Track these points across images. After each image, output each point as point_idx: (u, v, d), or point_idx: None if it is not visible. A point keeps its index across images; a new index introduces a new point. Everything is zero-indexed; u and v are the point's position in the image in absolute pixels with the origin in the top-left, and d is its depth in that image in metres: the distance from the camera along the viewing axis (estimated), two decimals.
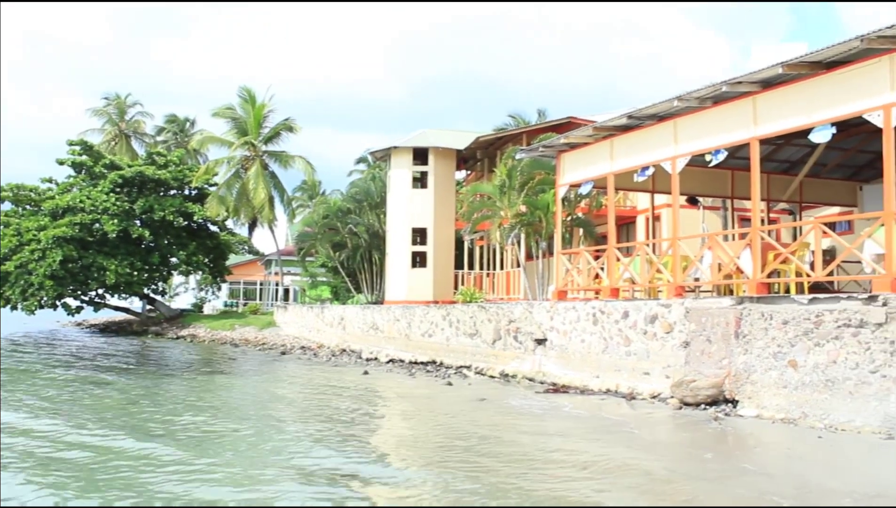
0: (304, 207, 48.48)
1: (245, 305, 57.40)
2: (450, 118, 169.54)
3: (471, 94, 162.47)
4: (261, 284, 62.94)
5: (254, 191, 41.49)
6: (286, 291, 54.26)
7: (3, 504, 7.70)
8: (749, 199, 15.10)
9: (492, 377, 19.37)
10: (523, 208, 25.38)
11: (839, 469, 8.70)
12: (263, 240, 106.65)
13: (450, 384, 18.03)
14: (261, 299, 59.87)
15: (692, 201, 24.89)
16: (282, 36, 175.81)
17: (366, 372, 21.83)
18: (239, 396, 17.52)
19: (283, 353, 30.27)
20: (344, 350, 28.91)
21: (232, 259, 52.85)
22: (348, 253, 38.21)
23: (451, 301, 28.37)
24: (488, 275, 35.08)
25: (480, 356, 20.78)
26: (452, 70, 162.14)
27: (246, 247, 55.62)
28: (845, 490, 7.73)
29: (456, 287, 32.47)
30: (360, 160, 49.05)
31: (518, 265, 29.27)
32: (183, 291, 64.42)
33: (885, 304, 10.86)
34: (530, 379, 18.07)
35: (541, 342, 18.32)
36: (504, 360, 19.60)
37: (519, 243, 27.25)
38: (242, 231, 54.69)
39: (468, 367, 20.87)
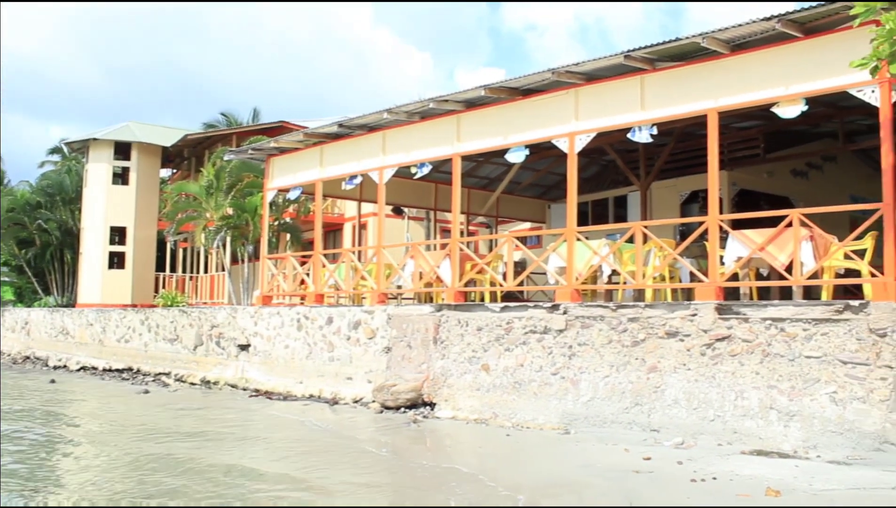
0: None
1: None
2: (156, 112, 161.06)
3: (181, 88, 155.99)
4: None
5: None
6: None
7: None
8: (450, 211, 15.87)
9: (193, 384, 18.75)
10: (230, 211, 24.90)
11: (522, 464, 9.40)
12: None
13: (147, 391, 17.22)
14: None
15: (398, 211, 25.83)
16: None
17: (53, 380, 20.32)
18: None
19: None
20: (28, 358, 26.73)
21: None
22: (36, 251, 35.29)
23: (151, 305, 27.17)
24: (192, 278, 33.98)
25: (181, 363, 20.05)
26: (160, 61, 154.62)
27: None
28: (527, 482, 8.38)
29: (157, 290, 31.18)
30: (55, 151, 45.25)
31: (223, 269, 28.63)
32: None
33: (565, 312, 11.94)
34: (233, 386, 17.71)
35: (244, 347, 18.03)
36: (206, 366, 19.06)
37: (224, 246, 26.66)
38: None
39: (168, 374, 20.04)
